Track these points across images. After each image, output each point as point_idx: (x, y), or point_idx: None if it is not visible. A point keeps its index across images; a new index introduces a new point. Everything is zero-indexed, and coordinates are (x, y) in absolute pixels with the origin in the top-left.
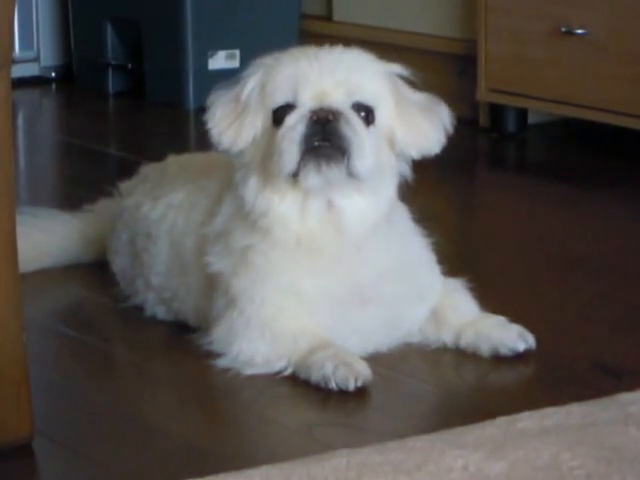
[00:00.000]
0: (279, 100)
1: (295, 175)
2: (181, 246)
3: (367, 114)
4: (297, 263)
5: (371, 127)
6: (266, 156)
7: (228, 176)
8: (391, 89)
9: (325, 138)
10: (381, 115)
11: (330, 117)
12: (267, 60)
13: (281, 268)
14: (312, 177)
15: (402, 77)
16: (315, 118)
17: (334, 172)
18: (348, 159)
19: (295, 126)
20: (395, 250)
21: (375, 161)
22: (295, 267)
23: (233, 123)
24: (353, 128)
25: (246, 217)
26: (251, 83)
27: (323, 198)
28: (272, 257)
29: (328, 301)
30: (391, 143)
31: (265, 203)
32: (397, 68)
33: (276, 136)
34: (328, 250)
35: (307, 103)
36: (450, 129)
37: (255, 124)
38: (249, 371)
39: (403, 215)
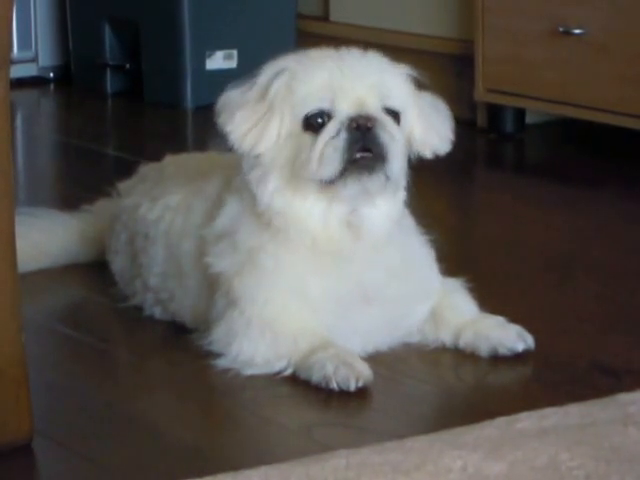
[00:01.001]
0: (312, 106)
1: (331, 182)
2: (178, 248)
3: (394, 117)
4: (305, 263)
5: (399, 130)
6: (291, 159)
7: (227, 177)
8: (412, 91)
9: (366, 147)
10: (406, 117)
11: (369, 124)
12: (290, 63)
13: (288, 268)
14: (351, 187)
15: (411, 78)
16: (355, 125)
17: (374, 182)
18: (387, 166)
19: (337, 134)
20: (400, 250)
21: (404, 164)
22: (303, 267)
23: (255, 126)
24: (390, 134)
25: (256, 217)
26: (275, 86)
27: (351, 204)
28: (280, 257)
29: (332, 301)
30: (409, 144)
31: (283, 203)
32: (407, 69)
33: (312, 142)
34: (344, 253)
35: (345, 110)
36: (454, 127)
37: (281, 127)
38: (249, 371)
39: (406, 216)
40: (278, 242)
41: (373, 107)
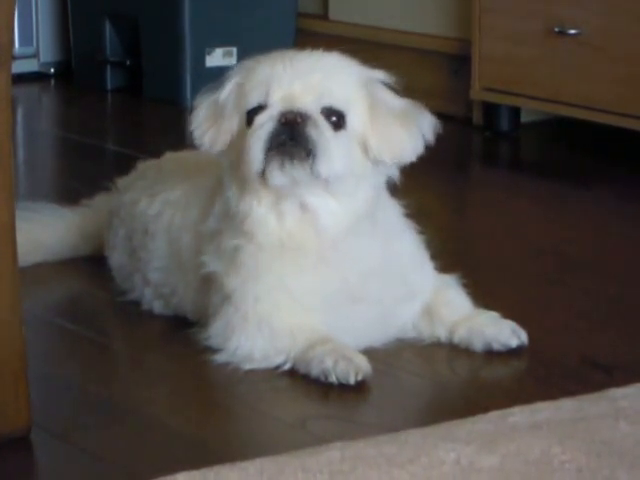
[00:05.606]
0: (252, 101)
1: (263, 174)
2: (178, 243)
3: (338, 119)
4: (284, 263)
5: (342, 131)
6: (240, 157)
7: (221, 175)
8: (365, 95)
9: (291, 138)
10: (352, 120)
11: (298, 119)
12: (247, 63)
13: (270, 268)
14: (277, 175)
15: (384, 83)
16: (283, 120)
17: (298, 171)
18: (313, 160)
19: (263, 125)
20: (380, 249)
21: (344, 165)
22: (282, 267)
23: (213, 125)
24: (319, 131)
25: (233, 218)
26: (229, 86)
27: (294, 199)
28: (260, 257)
29: (318, 299)
30: (364, 148)
31: (246, 206)
32: (378, 74)
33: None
34: (310, 250)
35: (277, 105)
36: (430, 137)
37: (232, 126)
38: (248, 366)
39: (392, 213)
40: (255, 243)
41: (307, 104)
